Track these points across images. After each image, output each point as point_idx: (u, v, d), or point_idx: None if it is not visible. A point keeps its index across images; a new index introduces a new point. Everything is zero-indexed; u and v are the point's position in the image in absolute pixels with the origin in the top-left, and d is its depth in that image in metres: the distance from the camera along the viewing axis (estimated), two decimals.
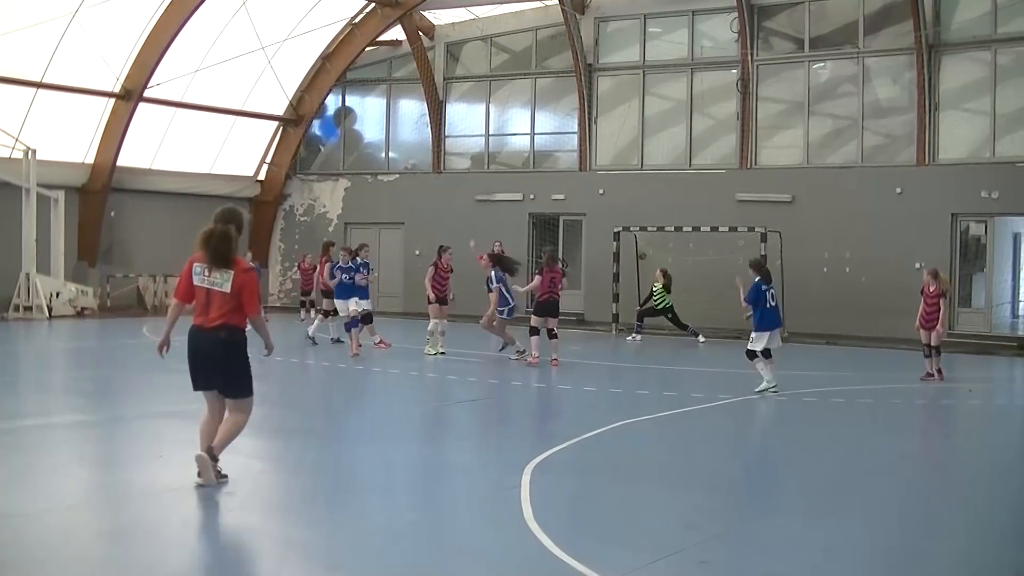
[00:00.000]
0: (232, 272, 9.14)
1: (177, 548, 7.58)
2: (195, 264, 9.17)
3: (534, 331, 19.45)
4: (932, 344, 18.14)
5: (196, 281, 9.18)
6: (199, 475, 9.03)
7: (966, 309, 25.99)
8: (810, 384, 17.36)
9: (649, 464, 11.25)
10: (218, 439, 9.21)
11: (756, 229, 25.91)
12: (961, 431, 14.83)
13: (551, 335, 19.61)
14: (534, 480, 9.68)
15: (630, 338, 25.67)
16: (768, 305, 16.01)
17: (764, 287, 16.04)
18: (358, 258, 21.00)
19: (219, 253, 9.08)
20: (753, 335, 15.98)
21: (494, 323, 20.25)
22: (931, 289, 18.15)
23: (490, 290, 19.92)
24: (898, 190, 26.12)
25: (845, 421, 14.44)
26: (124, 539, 7.82)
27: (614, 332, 27.30)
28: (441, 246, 21.46)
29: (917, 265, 24.40)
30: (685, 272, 26.86)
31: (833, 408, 15.31)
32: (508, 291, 20.00)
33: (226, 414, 9.34)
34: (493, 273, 19.86)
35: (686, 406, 14.77)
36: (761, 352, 15.97)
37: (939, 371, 18.20)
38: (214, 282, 9.13)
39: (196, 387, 9.37)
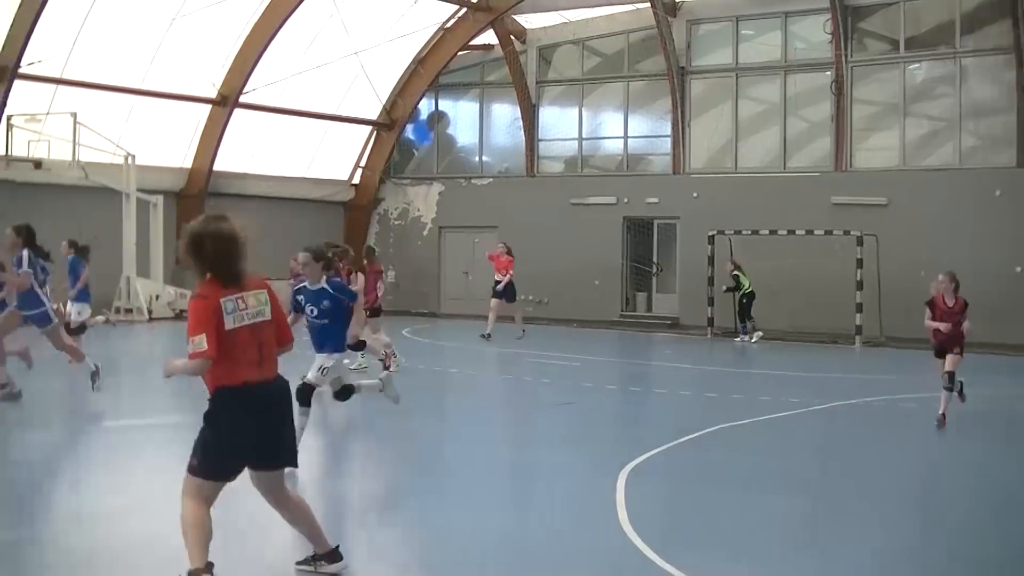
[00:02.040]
0: (264, 290, 6.55)
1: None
2: (223, 301, 6.27)
3: (363, 344, 15.80)
4: (949, 370, 13.64)
5: (232, 323, 6.28)
6: None
7: None
8: (908, 390, 17.07)
9: (747, 469, 11.15)
10: (315, 532, 6.86)
11: (851, 232, 25.56)
12: None
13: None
14: (630, 484, 9.66)
15: (753, 339, 25.65)
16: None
17: None
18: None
19: (236, 262, 6.40)
20: (333, 360, 11.28)
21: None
22: (950, 304, 13.62)
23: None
24: (997, 192, 25.63)
25: (948, 429, 14.17)
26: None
27: (709, 336, 27.11)
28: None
29: (1018, 269, 23.93)
30: (777, 275, 26.63)
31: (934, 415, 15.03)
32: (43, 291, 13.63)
33: (285, 499, 6.77)
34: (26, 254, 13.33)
35: (782, 411, 14.63)
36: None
37: (960, 394, 14.05)
38: (259, 311, 6.45)
39: (236, 471, 6.46)
